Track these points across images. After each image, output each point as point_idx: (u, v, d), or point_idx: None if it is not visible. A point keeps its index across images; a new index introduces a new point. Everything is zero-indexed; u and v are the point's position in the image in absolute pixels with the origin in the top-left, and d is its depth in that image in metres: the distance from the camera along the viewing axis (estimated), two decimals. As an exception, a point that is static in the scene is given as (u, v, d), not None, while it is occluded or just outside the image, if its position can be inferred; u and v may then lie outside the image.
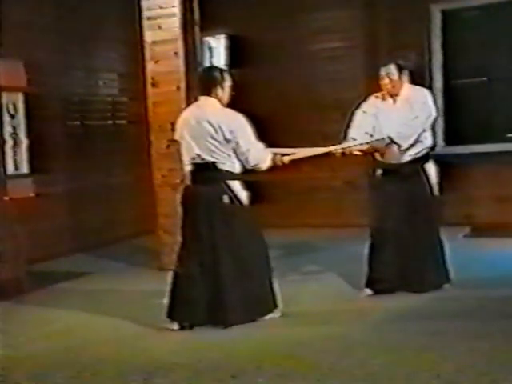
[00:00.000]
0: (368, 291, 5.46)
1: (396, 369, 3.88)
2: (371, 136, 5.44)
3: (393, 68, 5.39)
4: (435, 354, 4.07)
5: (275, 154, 4.96)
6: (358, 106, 5.59)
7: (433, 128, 5.77)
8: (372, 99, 5.57)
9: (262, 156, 4.88)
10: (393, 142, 5.34)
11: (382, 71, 5.42)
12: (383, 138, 5.37)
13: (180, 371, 4.08)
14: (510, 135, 8.21)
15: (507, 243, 7.07)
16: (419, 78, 7.12)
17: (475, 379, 3.67)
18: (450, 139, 8.37)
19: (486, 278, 5.72)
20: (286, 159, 5.03)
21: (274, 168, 4.98)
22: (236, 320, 4.80)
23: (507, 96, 8.23)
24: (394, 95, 5.46)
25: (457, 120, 8.33)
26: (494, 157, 8.04)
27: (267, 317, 4.94)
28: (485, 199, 8.14)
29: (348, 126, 5.52)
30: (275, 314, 4.99)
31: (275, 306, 4.99)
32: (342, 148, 5.36)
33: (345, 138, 5.48)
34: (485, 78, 8.30)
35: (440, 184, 5.57)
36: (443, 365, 3.88)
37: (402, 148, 5.36)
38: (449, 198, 7.58)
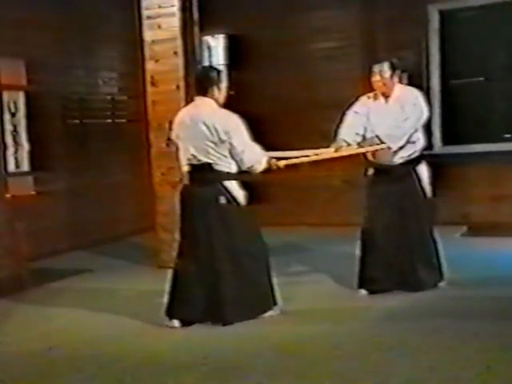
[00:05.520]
0: (363, 291, 5.48)
1: (393, 367, 3.92)
2: (362, 136, 5.45)
3: (386, 66, 5.36)
4: (432, 352, 4.10)
5: (271, 158, 4.95)
6: (349, 106, 5.58)
7: (428, 129, 5.76)
8: (364, 99, 5.54)
9: (257, 158, 4.87)
10: (383, 143, 5.34)
11: (375, 68, 5.39)
12: (373, 140, 5.38)
13: (180, 369, 4.11)
14: (507, 135, 8.24)
15: (504, 242, 7.09)
16: (417, 78, 7.17)
17: (473, 378, 3.70)
18: (447, 139, 8.39)
19: (483, 277, 5.74)
20: (282, 164, 5.00)
21: (269, 171, 4.97)
22: (234, 318, 4.83)
23: (504, 96, 8.25)
24: (385, 95, 5.44)
25: (454, 120, 8.36)
26: (492, 156, 8.06)
27: (266, 314, 4.97)
28: (482, 199, 8.16)
29: (339, 126, 5.51)
30: (274, 312, 5.01)
31: (274, 303, 5.02)
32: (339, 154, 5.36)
33: (335, 137, 5.47)
34: (482, 78, 8.33)
35: (433, 186, 5.58)
36: (440, 363, 3.91)
37: (392, 150, 5.35)
38: (446, 198, 7.63)
